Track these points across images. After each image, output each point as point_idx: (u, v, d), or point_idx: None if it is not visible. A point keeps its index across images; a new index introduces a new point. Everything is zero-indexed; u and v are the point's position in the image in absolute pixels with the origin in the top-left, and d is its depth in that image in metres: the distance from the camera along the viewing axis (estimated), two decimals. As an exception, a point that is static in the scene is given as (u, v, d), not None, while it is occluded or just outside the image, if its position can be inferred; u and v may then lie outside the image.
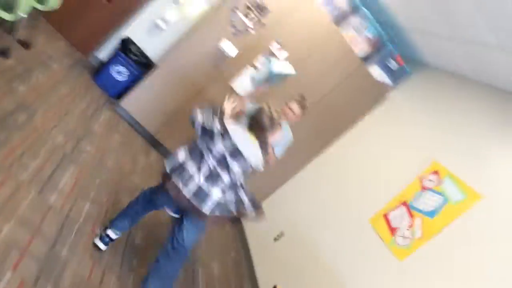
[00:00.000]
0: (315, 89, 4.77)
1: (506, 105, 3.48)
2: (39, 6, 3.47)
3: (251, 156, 2.41)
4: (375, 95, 4.88)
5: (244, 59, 4.55)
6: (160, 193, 2.65)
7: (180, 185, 2.37)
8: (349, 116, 4.94)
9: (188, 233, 2.55)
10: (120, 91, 4.76)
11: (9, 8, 2.94)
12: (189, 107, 4.57)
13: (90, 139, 3.67)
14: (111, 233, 2.73)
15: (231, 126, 2.41)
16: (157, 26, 4.96)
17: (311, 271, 3.90)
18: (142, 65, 4.80)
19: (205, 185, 2.37)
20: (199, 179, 2.37)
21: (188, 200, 2.37)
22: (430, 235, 3.14)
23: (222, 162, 2.38)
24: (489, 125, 3.47)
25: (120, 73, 4.71)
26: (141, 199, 2.80)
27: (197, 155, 2.42)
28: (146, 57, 4.92)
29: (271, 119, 2.46)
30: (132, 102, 4.51)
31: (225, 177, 2.40)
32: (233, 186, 2.45)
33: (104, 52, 5.09)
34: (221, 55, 4.46)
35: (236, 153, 2.37)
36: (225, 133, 2.38)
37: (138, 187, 3.77)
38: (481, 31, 3.11)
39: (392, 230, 3.45)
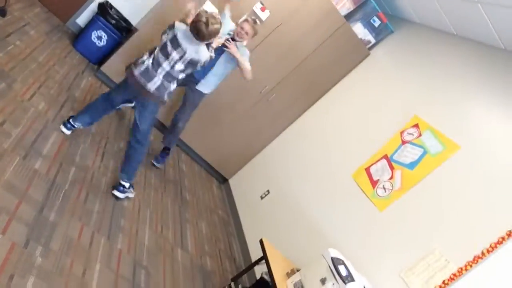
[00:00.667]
0: (299, 49, 4.76)
1: (486, 58, 3.51)
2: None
3: (194, 53, 2.96)
4: (358, 52, 4.89)
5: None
6: (117, 88, 3.29)
7: (134, 69, 2.99)
8: (333, 74, 4.96)
9: (142, 118, 3.12)
10: (101, 56, 4.69)
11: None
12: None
13: (72, 106, 3.67)
14: (73, 123, 3.25)
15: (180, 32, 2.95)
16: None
17: (296, 225, 4.04)
18: (122, 29, 4.71)
19: (150, 67, 2.97)
20: (148, 62, 2.98)
21: (137, 81, 2.97)
22: (409, 186, 3.24)
23: (166, 53, 2.96)
24: (469, 79, 3.52)
25: (100, 38, 4.63)
26: (101, 98, 3.29)
27: (152, 52, 3.03)
28: (125, 20, 4.82)
29: (206, 24, 2.83)
30: (113, 67, 4.45)
31: (166, 66, 2.98)
32: (169, 75, 3.02)
33: (82, 18, 4.97)
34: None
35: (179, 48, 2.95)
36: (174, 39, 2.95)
37: (122, 150, 3.81)
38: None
39: (374, 182, 3.55)
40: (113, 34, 4.64)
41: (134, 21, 4.94)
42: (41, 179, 2.63)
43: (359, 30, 4.90)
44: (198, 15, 2.87)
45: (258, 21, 3.89)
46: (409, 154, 3.44)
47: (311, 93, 5.02)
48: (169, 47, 2.95)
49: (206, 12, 2.88)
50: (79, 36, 4.75)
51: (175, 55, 2.95)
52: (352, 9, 4.84)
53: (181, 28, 2.96)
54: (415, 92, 3.91)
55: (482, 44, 3.61)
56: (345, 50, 4.86)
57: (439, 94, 3.66)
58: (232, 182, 5.38)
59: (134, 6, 4.92)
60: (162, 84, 3.01)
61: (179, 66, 2.99)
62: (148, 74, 2.96)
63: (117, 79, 4.48)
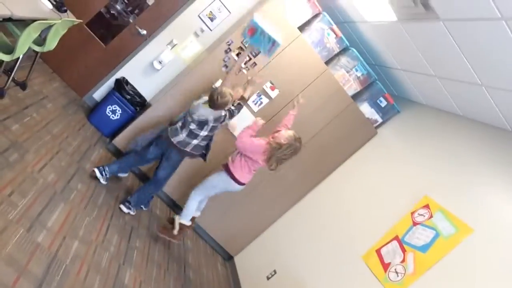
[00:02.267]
0: (307, 127, 4.84)
1: (494, 140, 3.53)
2: (37, 48, 3.57)
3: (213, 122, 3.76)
4: (365, 131, 4.96)
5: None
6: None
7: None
8: (340, 153, 4.99)
9: (163, 170, 4.03)
10: (114, 130, 4.81)
11: (8, 50, 3.03)
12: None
13: (81, 178, 3.68)
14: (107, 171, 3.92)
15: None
16: (152, 67, 5.08)
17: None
18: (137, 104, 4.88)
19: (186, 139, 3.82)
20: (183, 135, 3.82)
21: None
22: (423, 270, 3.10)
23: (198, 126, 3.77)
24: (478, 160, 3.50)
25: (114, 112, 4.78)
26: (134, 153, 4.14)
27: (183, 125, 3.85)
28: (140, 96, 5.01)
29: (220, 95, 3.61)
30: (125, 140, 4.54)
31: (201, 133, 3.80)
32: (205, 137, 3.87)
33: (99, 92, 5.18)
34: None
35: (202, 123, 3.76)
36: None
37: (127, 223, 3.76)
38: (466, 72, 3.22)
39: (385, 265, 3.41)
40: (127, 109, 4.80)
41: (148, 97, 5.12)
42: (42, 253, 2.56)
43: (366, 109, 5.02)
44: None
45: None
46: (421, 236, 3.34)
47: (319, 170, 5.02)
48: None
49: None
50: (94, 110, 4.91)
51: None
52: (359, 90, 4.99)
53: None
54: (424, 172, 3.89)
55: (489, 126, 3.65)
56: (352, 129, 4.94)
57: (448, 175, 3.63)
58: (237, 259, 5.20)
59: (150, 82, 5.15)
60: None
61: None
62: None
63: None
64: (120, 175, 4.31)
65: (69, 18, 3.63)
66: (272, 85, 4.66)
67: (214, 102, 3.64)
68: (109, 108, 4.77)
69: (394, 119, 5.01)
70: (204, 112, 3.71)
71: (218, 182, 3.87)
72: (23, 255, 2.40)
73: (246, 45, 4.38)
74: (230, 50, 4.51)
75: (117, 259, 3.23)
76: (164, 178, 4.12)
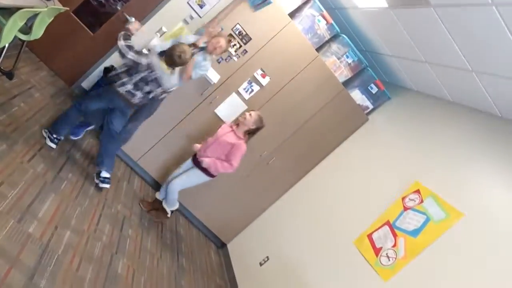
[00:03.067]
0: (298, 114, 4.85)
1: (484, 125, 3.55)
2: (23, 36, 3.50)
3: (166, 81, 3.67)
4: (357, 118, 4.97)
5: (228, 86, 4.63)
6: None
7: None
8: (332, 140, 5.00)
9: (118, 120, 3.75)
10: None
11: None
12: (174, 134, 4.68)
13: (71, 167, 3.65)
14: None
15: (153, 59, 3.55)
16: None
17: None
18: (126, 92, 4.82)
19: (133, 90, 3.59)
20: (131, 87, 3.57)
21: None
22: (414, 254, 3.14)
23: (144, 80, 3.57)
24: (468, 145, 3.53)
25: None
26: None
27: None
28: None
29: (180, 55, 3.52)
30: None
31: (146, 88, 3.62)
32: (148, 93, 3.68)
33: (88, 81, 5.11)
34: (205, 83, 4.52)
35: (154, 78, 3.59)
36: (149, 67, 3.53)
37: (120, 213, 3.75)
38: (456, 57, 3.22)
39: (376, 250, 3.45)
40: (116, 97, 4.72)
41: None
42: (34, 243, 2.54)
43: (357, 96, 5.02)
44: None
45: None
46: (411, 221, 3.37)
47: (311, 157, 5.03)
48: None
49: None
50: (82, 98, 4.82)
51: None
52: (350, 76, 4.98)
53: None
54: (415, 158, 3.91)
55: (479, 112, 3.68)
56: (343, 116, 4.94)
57: (439, 160, 3.66)
58: (230, 247, 5.23)
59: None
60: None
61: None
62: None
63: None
64: (73, 137, 4.07)
65: (56, 6, 3.55)
66: (263, 73, 4.64)
67: (174, 61, 3.57)
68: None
69: (385, 106, 5.03)
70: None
71: (198, 178, 4.11)
72: (14, 246, 2.38)
73: None
74: (221, 37, 4.45)
75: (109, 249, 3.22)
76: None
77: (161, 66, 3.59)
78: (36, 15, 3.27)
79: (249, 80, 4.65)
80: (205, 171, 4.02)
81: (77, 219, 3.14)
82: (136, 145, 4.68)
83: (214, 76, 4.51)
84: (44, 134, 3.62)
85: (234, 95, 4.67)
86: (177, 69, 3.76)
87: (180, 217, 4.99)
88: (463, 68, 3.29)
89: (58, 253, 2.67)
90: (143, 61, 3.51)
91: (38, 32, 3.56)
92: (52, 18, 3.68)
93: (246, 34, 4.50)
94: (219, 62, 4.53)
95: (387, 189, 3.85)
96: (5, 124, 3.25)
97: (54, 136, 3.60)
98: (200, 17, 5.04)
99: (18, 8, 2.85)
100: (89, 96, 3.95)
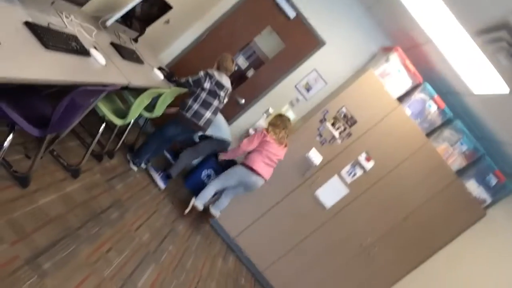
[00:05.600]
0: (403, 203, 4.54)
1: None
2: (147, 114, 3.88)
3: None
4: (472, 211, 4.48)
5: (330, 168, 4.54)
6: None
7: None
8: (442, 235, 4.54)
9: None
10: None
11: (122, 115, 3.31)
12: (273, 213, 4.65)
13: (173, 239, 3.75)
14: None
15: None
16: (248, 134, 5.23)
17: None
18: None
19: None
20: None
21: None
22: None
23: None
24: None
25: (209, 176, 4.91)
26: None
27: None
28: (235, 162, 5.11)
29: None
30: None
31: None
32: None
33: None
34: (307, 163, 4.50)
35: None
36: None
37: (214, 293, 3.70)
38: None
39: None
40: (221, 174, 4.90)
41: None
42: (130, 314, 2.57)
43: (473, 187, 4.57)
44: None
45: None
46: None
47: (418, 252, 4.58)
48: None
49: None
50: (190, 173, 5.10)
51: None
52: (464, 165, 4.59)
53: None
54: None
55: None
56: (456, 208, 4.51)
57: None
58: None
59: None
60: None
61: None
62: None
63: (221, 219, 4.59)
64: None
65: (177, 87, 3.91)
66: (367, 156, 4.49)
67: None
68: (205, 172, 4.93)
69: (506, 200, 4.48)
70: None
71: (234, 171, 4.26)
72: (112, 315, 2.42)
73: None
74: (325, 119, 4.49)
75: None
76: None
77: None
78: (159, 95, 3.62)
79: (353, 163, 4.53)
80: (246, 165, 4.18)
81: (173, 292, 3.15)
82: (235, 222, 4.71)
83: (317, 158, 4.48)
84: (128, 158, 4.08)
85: (335, 177, 4.55)
86: None
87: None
88: None
89: (151, 327, 2.66)
90: None
91: (159, 110, 3.92)
92: (173, 99, 4.04)
93: (352, 117, 4.47)
94: (322, 144, 4.52)
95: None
96: (120, 192, 3.50)
97: (136, 160, 4.05)
98: (306, 100, 5.18)
99: (145, 89, 3.18)
100: None
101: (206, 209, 4.38)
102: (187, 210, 4.21)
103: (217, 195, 4.40)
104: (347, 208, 4.58)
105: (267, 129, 4.19)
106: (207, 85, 3.89)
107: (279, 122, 4.20)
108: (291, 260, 4.68)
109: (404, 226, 4.56)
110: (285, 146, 4.22)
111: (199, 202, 4.22)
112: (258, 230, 4.73)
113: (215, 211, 4.40)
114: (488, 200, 4.56)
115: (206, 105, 3.94)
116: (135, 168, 4.05)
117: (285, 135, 4.18)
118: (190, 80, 3.92)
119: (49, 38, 2.09)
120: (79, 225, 2.70)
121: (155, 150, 4.15)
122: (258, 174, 4.12)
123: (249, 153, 4.21)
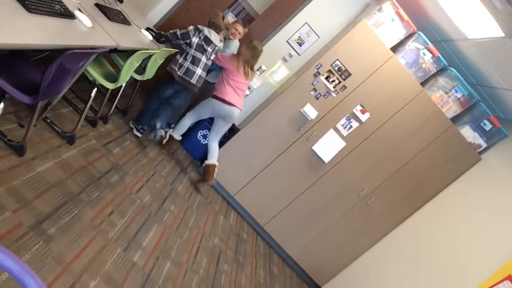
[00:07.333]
0: (400, 152, 4.58)
1: None
2: (138, 76, 3.82)
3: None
4: (467, 157, 4.54)
5: (326, 122, 4.55)
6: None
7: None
8: (439, 180, 4.61)
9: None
10: (204, 154, 4.94)
11: (113, 79, 3.27)
12: (271, 169, 4.69)
13: (174, 199, 3.81)
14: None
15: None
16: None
17: None
18: (226, 128, 4.99)
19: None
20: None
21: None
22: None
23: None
24: None
25: (205, 136, 4.93)
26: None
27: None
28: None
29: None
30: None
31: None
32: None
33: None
34: (302, 119, 4.50)
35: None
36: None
37: (216, 247, 3.79)
38: None
39: (497, 310, 3.02)
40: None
41: (237, 121, 5.22)
42: (137, 272, 2.64)
43: (468, 133, 4.60)
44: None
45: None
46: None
47: (414, 198, 4.67)
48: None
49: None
50: (186, 134, 5.09)
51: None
52: (459, 112, 4.60)
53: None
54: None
55: None
56: (452, 154, 4.55)
57: None
58: (325, 290, 4.99)
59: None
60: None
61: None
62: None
63: (218, 176, 4.63)
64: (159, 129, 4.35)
65: (167, 48, 3.84)
66: (362, 108, 4.49)
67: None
68: (200, 133, 4.94)
69: (500, 144, 4.53)
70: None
71: (207, 104, 4.33)
72: (119, 274, 2.49)
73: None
74: (319, 73, 4.44)
75: (206, 283, 3.24)
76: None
77: None
78: (149, 56, 3.55)
79: (348, 116, 4.53)
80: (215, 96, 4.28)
81: (177, 250, 3.23)
82: (233, 179, 4.77)
83: (312, 112, 4.48)
84: (131, 125, 4.15)
85: (331, 131, 4.57)
86: None
87: (273, 254, 4.91)
88: None
89: (159, 283, 2.74)
90: None
91: (150, 72, 3.86)
92: (163, 60, 3.97)
93: (346, 69, 4.43)
94: (317, 98, 4.49)
95: (504, 240, 3.39)
96: (118, 156, 3.52)
97: (140, 127, 4.13)
98: (299, 55, 5.11)
99: (134, 51, 3.12)
100: None
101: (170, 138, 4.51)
102: (164, 141, 4.38)
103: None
104: (344, 160, 4.62)
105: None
106: (195, 39, 3.90)
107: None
108: (291, 214, 4.78)
109: (400, 176, 4.63)
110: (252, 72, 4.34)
111: (176, 133, 4.42)
112: (258, 187, 4.78)
113: (176, 135, 4.47)
114: (484, 145, 4.60)
115: (195, 61, 3.97)
116: (139, 135, 4.13)
117: (249, 69, 4.27)
118: (178, 32, 3.91)
119: (32, 1, 2.02)
120: (79, 190, 2.73)
121: (160, 114, 4.18)
122: (230, 104, 4.20)
123: (218, 85, 4.29)
